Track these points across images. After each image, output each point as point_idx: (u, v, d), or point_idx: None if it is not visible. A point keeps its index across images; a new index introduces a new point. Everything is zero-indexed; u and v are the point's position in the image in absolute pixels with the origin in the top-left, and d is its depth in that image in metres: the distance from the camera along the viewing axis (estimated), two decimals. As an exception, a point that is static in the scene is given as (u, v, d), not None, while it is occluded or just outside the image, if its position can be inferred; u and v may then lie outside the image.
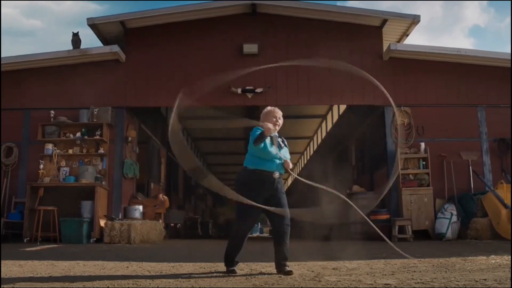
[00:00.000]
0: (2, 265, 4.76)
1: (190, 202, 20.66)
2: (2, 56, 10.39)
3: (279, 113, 4.47)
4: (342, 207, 5.16)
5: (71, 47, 10.65)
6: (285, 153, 4.46)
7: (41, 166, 10.06)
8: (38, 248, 7.80)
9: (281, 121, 4.47)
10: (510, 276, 3.69)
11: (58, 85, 10.81)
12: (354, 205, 4.49)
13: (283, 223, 4.25)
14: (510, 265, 4.47)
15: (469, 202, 9.76)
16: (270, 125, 4.25)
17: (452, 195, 10.03)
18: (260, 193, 4.27)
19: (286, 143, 4.59)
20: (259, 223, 38.65)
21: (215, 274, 4.19)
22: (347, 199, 4.53)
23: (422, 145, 10.37)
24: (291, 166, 4.40)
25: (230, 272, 4.20)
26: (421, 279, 3.63)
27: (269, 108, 4.52)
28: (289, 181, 29.62)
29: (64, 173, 10.16)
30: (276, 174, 4.33)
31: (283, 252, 4.20)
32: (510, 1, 17.58)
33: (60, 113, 10.45)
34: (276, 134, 4.46)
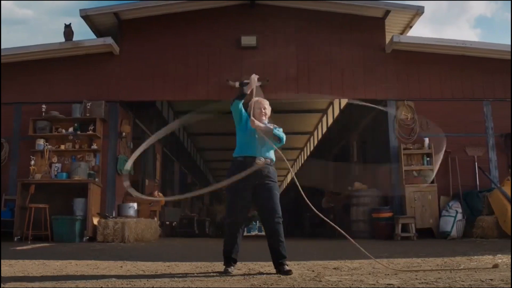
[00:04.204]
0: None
1: (186, 199, 20.45)
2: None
3: (264, 103, 4.40)
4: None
5: (62, 36, 10.47)
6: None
7: (32, 162, 9.88)
8: (29, 247, 7.69)
9: (267, 111, 4.40)
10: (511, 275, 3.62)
11: (50, 79, 10.64)
12: (325, 218, 4.25)
13: (273, 220, 4.13)
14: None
15: (474, 199, 9.61)
16: (255, 77, 4.34)
17: (457, 192, 9.87)
18: (246, 182, 4.12)
19: (276, 126, 4.41)
20: (257, 221, 38.43)
21: (212, 274, 4.09)
22: (322, 216, 4.29)
23: (426, 140, 10.23)
24: (257, 124, 4.21)
25: (224, 272, 4.09)
26: (425, 279, 3.55)
27: (255, 98, 4.42)
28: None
29: (56, 169, 10.00)
30: (260, 160, 4.17)
31: (279, 251, 4.09)
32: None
33: (52, 108, 10.26)
34: (266, 123, 4.36)
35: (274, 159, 4.32)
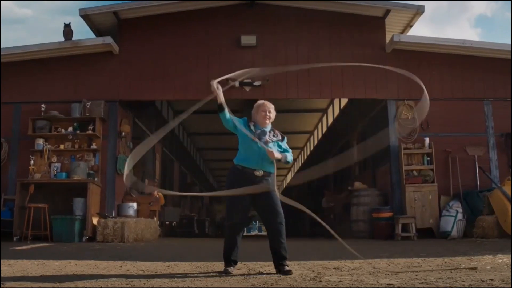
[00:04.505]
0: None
1: (186, 199, 20.42)
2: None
3: (269, 106, 4.34)
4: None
5: (61, 34, 10.46)
6: (273, 146, 4.21)
7: (32, 162, 9.84)
8: (29, 247, 7.67)
9: (272, 115, 4.34)
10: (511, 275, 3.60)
11: (49, 78, 10.60)
12: (320, 220, 4.23)
13: (276, 222, 4.12)
14: None
15: (475, 199, 9.55)
16: (214, 85, 4.09)
17: (457, 192, 9.82)
18: (244, 186, 4.11)
19: (281, 136, 4.36)
20: (257, 221, 38.41)
21: (211, 274, 4.07)
22: (316, 216, 4.27)
23: (427, 140, 10.18)
24: (276, 155, 4.12)
25: (224, 272, 4.07)
26: (425, 279, 3.52)
27: (259, 101, 4.39)
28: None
29: (55, 169, 9.95)
30: (259, 172, 4.16)
31: (280, 252, 4.09)
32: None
33: (51, 107, 10.22)
34: (269, 127, 4.33)
35: (274, 172, 4.28)
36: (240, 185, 4.12)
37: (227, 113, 4.19)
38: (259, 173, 4.14)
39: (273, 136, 4.27)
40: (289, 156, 4.27)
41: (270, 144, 4.17)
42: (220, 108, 4.16)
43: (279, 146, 4.26)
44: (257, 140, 4.12)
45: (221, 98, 4.13)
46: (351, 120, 13.98)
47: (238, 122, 4.22)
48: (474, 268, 4.13)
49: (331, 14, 10.81)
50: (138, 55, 10.69)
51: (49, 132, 10.12)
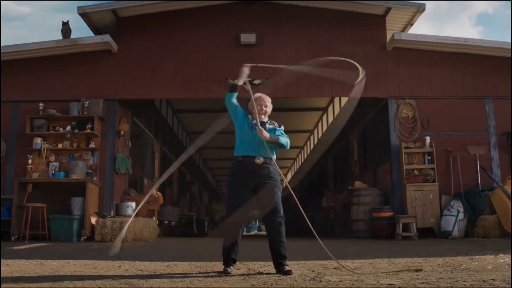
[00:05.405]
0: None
1: (185, 198, 20.41)
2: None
3: (265, 100, 4.31)
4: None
5: (59, 32, 10.39)
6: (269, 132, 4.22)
7: (30, 161, 9.79)
8: (27, 246, 7.65)
9: (268, 109, 4.32)
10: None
11: (48, 77, 10.55)
12: (308, 220, 4.16)
13: (275, 220, 4.08)
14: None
15: (476, 198, 9.52)
16: (245, 69, 4.26)
17: (458, 192, 9.78)
18: (245, 182, 4.11)
19: (278, 125, 4.36)
20: (257, 221, 38.38)
21: (211, 274, 4.04)
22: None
23: (427, 139, 10.13)
24: (265, 134, 4.10)
25: (224, 272, 4.05)
26: (426, 279, 3.49)
27: (256, 94, 4.35)
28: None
29: (53, 168, 9.91)
30: (260, 159, 4.12)
31: (280, 251, 4.06)
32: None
33: (49, 106, 10.17)
34: (266, 120, 4.30)
35: (275, 157, 4.25)
36: (241, 175, 4.12)
37: (235, 98, 4.26)
38: (259, 160, 4.11)
39: (269, 124, 4.28)
40: (283, 139, 4.21)
41: (266, 126, 4.20)
42: (233, 89, 4.23)
43: (274, 131, 4.24)
44: (250, 116, 4.15)
45: (242, 81, 4.24)
46: (351, 119, 13.93)
47: (239, 110, 4.28)
48: (420, 270, 4.06)
49: (332, 12, 10.77)
50: (137, 54, 10.64)
51: (47, 131, 10.07)
